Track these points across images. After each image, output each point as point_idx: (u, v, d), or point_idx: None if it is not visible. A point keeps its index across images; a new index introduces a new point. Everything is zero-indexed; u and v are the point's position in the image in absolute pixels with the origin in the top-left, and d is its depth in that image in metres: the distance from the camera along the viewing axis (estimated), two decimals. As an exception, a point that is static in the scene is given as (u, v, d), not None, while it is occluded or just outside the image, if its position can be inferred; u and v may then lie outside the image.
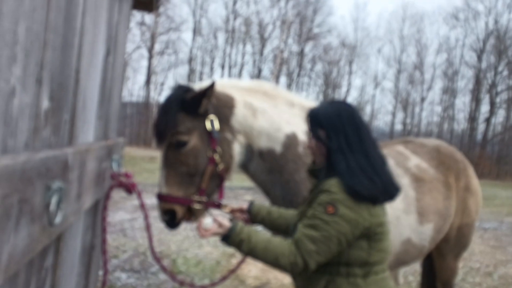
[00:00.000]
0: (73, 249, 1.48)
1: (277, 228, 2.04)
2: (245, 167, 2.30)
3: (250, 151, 2.23)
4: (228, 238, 1.69)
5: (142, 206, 1.92)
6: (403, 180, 2.72)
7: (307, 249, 1.61)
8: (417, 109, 41.09)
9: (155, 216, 7.62)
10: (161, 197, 2.08)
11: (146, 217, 1.99)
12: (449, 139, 35.40)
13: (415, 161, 2.91)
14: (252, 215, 2.08)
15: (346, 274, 1.66)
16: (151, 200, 8.80)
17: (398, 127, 41.00)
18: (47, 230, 0.91)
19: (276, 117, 2.25)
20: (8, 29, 0.73)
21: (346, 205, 1.60)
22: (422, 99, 40.13)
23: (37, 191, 0.82)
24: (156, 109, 31.60)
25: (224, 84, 2.26)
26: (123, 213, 7.41)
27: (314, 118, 1.76)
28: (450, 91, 38.62)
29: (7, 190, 0.67)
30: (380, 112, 44.09)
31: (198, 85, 2.20)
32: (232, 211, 2.12)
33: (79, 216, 1.39)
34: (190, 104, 2.08)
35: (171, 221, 2.09)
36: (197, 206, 2.10)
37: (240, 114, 2.19)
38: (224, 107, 2.18)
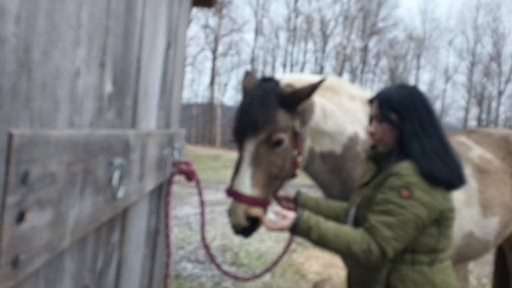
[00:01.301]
0: (138, 230, 1.57)
1: (327, 219, 2.02)
2: (305, 168, 2.24)
3: (311, 153, 2.18)
4: (296, 227, 1.63)
5: (200, 194, 1.98)
6: (465, 171, 2.57)
7: (384, 236, 1.54)
8: (493, 104, 38.28)
9: (219, 211, 7.84)
10: (242, 198, 1.91)
11: (202, 205, 2.05)
12: (531, 135, 32.51)
13: (477, 151, 2.74)
14: (299, 205, 2.07)
15: (411, 262, 1.61)
16: (215, 196, 9.06)
17: (472, 123, 38.46)
18: (110, 203, 0.98)
19: (341, 119, 2.19)
20: (72, 13, 0.80)
21: (421, 188, 1.56)
22: (500, 93, 37.29)
23: (100, 165, 0.88)
24: (220, 110, 32.41)
25: (302, 81, 2.12)
26: (189, 208, 7.69)
27: (386, 101, 1.71)
28: (531, 83, 35.50)
29: (71, 158, 0.73)
30: (452, 107, 41.66)
31: (285, 78, 2.10)
32: (278, 199, 2.10)
33: (142, 197, 1.47)
34: (289, 100, 1.97)
35: (251, 228, 1.95)
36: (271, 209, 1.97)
37: (315, 120, 2.12)
38: (307, 110, 2.09)
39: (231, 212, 1.94)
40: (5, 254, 0.55)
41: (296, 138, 2.01)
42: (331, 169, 2.21)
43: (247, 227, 1.92)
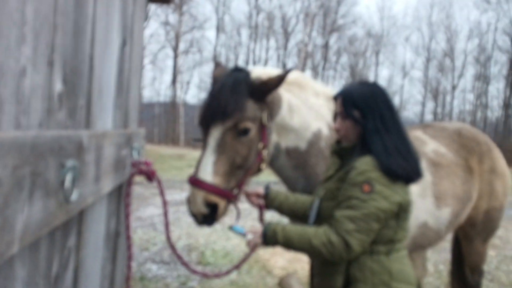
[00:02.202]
0: (97, 233, 1.53)
1: (295, 213, 2.05)
2: (270, 163, 2.27)
3: (277, 148, 2.20)
4: (265, 236, 1.73)
5: (162, 193, 1.95)
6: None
7: (346, 228, 1.60)
8: (448, 98, 40.03)
9: (184, 210, 7.75)
10: (202, 185, 1.91)
11: (164, 205, 2.02)
12: (483, 128, 34.31)
13: (432, 145, 2.88)
14: (269, 200, 2.09)
15: (370, 252, 1.67)
16: (179, 196, 8.96)
17: (428, 117, 40.04)
18: (64, 206, 0.95)
19: (306, 116, 2.22)
20: (15, 8, 0.76)
21: (381, 183, 1.62)
22: (453, 87, 39.01)
23: (50, 167, 0.85)
24: (182, 108, 32.01)
25: (269, 73, 2.12)
26: (153, 208, 7.58)
27: (349, 99, 1.76)
28: (483, 78, 37.38)
29: (17, 161, 0.70)
30: (409, 102, 43.21)
31: (254, 71, 2.10)
32: (247, 195, 2.11)
33: (99, 199, 1.43)
34: (259, 90, 1.98)
35: (210, 215, 1.97)
36: (235, 202, 2.01)
37: (281, 115, 2.14)
38: (275, 104, 2.10)
39: (190, 200, 1.95)
40: None
41: (263, 130, 2.02)
42: (295, 165, 2.24)
43: (207, 215, 1.93)
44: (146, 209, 7.62)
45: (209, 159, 1.94)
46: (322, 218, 1.79)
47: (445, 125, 3.15)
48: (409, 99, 43.40)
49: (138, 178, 1.95)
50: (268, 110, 2.05)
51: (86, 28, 1.21)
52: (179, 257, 2.16)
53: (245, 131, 1.95)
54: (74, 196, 0.98)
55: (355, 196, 1.63)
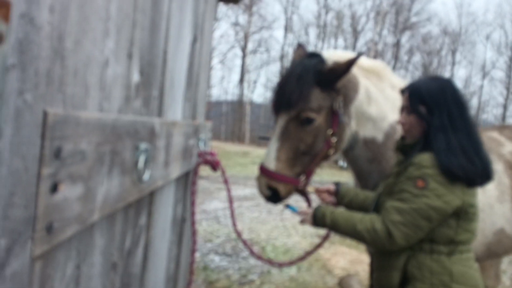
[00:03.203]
0: (164, 216, 1.65)
1: (364, 210, 2.03)
2: (346, 152, 2.22)
3: (355, 138, 2.15)
4: (315, 217, 1.79)
5: (226, 182, 2.04)
6: (497, 167, 2.52)
7: (392, 219, 1.60)
8: (533, 100, 36.68)
9: (247, 206, 7.92)
10: (265, 171, 1.98)
11: (229, 196, 2.11)
12: None
13: (510, 147, 2.68)
14: (339, 197, 2.08)
15: (429, 251, 1.62)
16: (243, 192, 9.17)
17: (511, 120, 37.00)
18: (137, 185, 1.05)
19: (384, 105, 2.15)
20: (101, 6, 0.86)
21: (437, 180, 1.57)
22: (540, 89, 35.69)
23: (127, 148, 0.95)
24: (249, 107, 32.54)
25: (346, 57, 2.08)
26: (217, 202, 7.81)
27: (416, 93, 1.72)
28: None
29: (100, 139, 0.79)
30: (489, 104, 40.24)
31: (332, 56, 2.07)
32: (318, 191, 2.12)
33: (168, 183, 1.54)
34: (327, 77, 1.96)
35: (274, 197, 2.03)
36: (301, 187, 2.04)
37: (359, 101, 2.09)
38: (351, 90, 2.07)
39: (257, 182, 2.06)
40: (41, 220, 0.62)
41: (334, 117, 1.99)
42: (371, 157, 2.18)
43: (270, 196, 2.02)
44: (211, 202, 7.89)
45: (273, 146, 1.99)
46: (379, 212, 1.77)
47: None
48: (489, 101, 40.47)
49: (204, 172, 2.05)
50: (343, 95, 2.02)
51: (161, 25, 1.31)
52: (245, 244, 2.24)
53: (309, 120, 1.96)
54: (146, 176, 1.08)
55: (407, 189, 1.60)
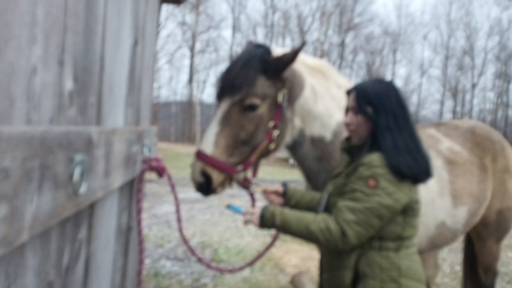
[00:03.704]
0: (108, 227, 1.58)
1: (311, 211, 2.06)
2: (293, 150, 2.23)
3: (302, 136, 2.17)
4: (263, 217, 1.74)
5: (173, 188, 2.00)
6: (436, 163, 2.66)
7: (345, 218, 1.62)
8: (467, 96, 39.30)
9: (198, 208, 7.83)
10: (201, 156, 1.93)
11: (176, 204, 2.07)
12: (504, 127, 33.59)
13: (447, 143, 2.85)
14: (286, 198, 2.10)
15: (378, 248, 1.68)
16: (194, 194, 9.06)
17: (448, 115, 39.37)
18: (73, 199, 0.99)
19: (330, 104, 2.18)
20: (26, 11, 0.81)
21: (387, 179, 1.63)
22: (473, 86, 38.30)
23: (59, 160, 0.89)
24: (199, 107, 32.24)
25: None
26: (168, 206, 7.67)
27: (363, 94, 1.76)
28: (503, 76, 36.58)
29: (26, 153, 0.74)
30: (427, 101, 42.58)
31: (278, 49, 2.07)
32: (265, 192, 2.12)
33: (110, 193, 1.48)
34: (273, 66, 1.95)
35: (205, 186, 1.98)
36: (236, 178, 1.99)
37: (304, 98, 2.11)
38: (297, 86, 2.08)
39: (191, 167, 1.98)
40: (-43, 247, 0.57)
41: (277, 109, 1.99)
42: (319, 156, 2.20)
43: (203, 184, 1.95)
44: (161, 206, 7.73)
45: (212, 131, 1.95)
46: (330, 213, 1.80)
47: (457, 123, 3.12)
48: (427, 98, 42.80)
49: (154, 176, 1.99)
50: (288, 90, 2.03)
51: (96, 29, 1.26)
52: (193, 252, 2.20)
53: (252, 107, 1.94)
54: (83, 189, 1.03)
55: (359, 189, 1.64)
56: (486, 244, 3.00)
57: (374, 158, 1.66)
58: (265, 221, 1.74)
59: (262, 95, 1.96)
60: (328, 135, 2.17)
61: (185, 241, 2.15)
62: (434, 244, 2.65)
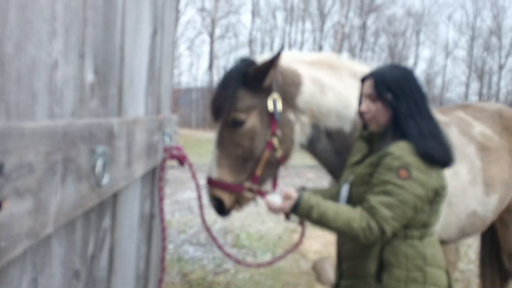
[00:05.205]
0: (131, 215, 1.61)
1: None
2: (311, 148, 2.16)
3: (316, 131, 2.09)
4: (297, 207, 1.63)
5: (194, 177, 2.02)
6: (469, 150, 2.58)
7: (383, 216, 1.56)
8: (494, 78, 38.11)
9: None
10: (210, 182, 1.99)
11: (197, 188, 2.09)
12: (532, 109, 32.46)
13: (479, 128, 2.74)
14: None
15: (404, 236, 1.65)
16: (216, 180, 9.15)
17: (473, 98, 38.31)
18: (96, 190, 1.01)
19: (344, 93, 2.09)
20: (45, 6, 0.81)
21: (419, 168, 1.59)
22: (500, 67, 37.07)
23: (82, 153, 0.91)
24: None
25: (288, 58, 2.10)
26: (190, 192, 7.77)
27: (381, 81, 1.71)
28: (533, 56, 35.22)
29: (49, 148, 0.76)
30: (452, 83, 41.53)
31: (262, 58, 2.04)
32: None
33: (132, 182, 1.50)
34: (253, 78, 1.93)
35: (220, 208, 2.03)
36: (247, 195, 1.98)
37: (307, 92, 2.03)
38: (290, 85, 2.02)
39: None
40: (-15, 241, 0.58)
41: (271, 118, 1.95)
42: (339, 150, 2.12)
43: (217, 207, 2.01)
44: (183, 192, 7.84)
45: (214, 155, 2.00)
46: (353, 204, 1.72)
47: (483, 105, 3.02)
48: (452, 80, 41.72)
49: (175, 162, 2.03)
50: (280, 93, 1.97)
51: (116, 21, 1.26)
52: (214, 239, 2.21)
53: (238, 123, 1.92)
54: (105, 180, 1.04)
55: (391, 181, 1.57)
56: (510, 229, 2.93)
57: (401, 147, 1.61)
58: (299, 210, 1.63)
59: (245, 108, 1.93)
60: (346, 126, 2.09)
61: (206, 229, 2.17)
62: (465, 234, 2.60)
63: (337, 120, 2.08)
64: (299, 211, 1.63)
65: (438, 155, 1.61)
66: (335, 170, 2.20)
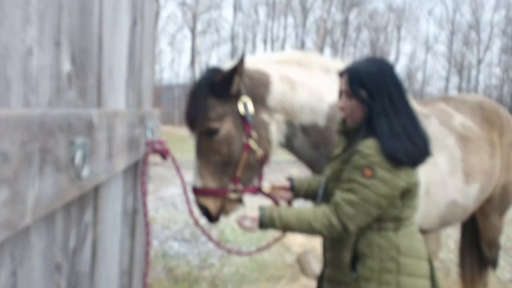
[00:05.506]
0: (114, 209, 1.59)
1: None
2: (288, 144, 2.19)
3: (291, 127, 2.12)
4: (262, 224, 1.73)
5: (178, 171, 2.00)
6: (449, 140, 2.63)
7: (346, 213, 1.61)
8: (473, 72, 38.85)
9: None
10: (195, 191, 2.03)
11: (183, 185, 2.07)
12: (509, 102, 33.26)
13: (459, 119, 2.80)
14: (295, 191, 2.08)
15: (377, 229, 1.68)
16: (200, 176, 9.11)
17: (453, 92, 38.98)
18: (76, 182, 0.99)
19: (316, 87, 2.11)
20: (18, -10, 0.78)
21: (384, 167, 1.59)
22: (479, 61, 37.80)
23: (60, 144, 0.89)
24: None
25: (255, 60, 2.12)
26: (174, 188, 7.72)
27: (355, 77, 1.68)
28: (510, 51, 36.00)
29: (25, 137, 0.73)
30: (433, 77, 42.16)
31: (228, 65, 2.07)
32: (274, 190, 2.10)
33: (114, 176, 1.47)
34: (220, 86, 1.96)
35: (208, 215, 2.06)
36: (232, 196, 2.01)
37: (277, 91, 2.05)
38: (259, 86, 2.04)
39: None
40: (-42, 231, 0.56)
41: (244, 122, 1.98)
42: (315, 143, 2.15)
43: (205, 214, 2.06)
44: (167, 189, 7.78)
45: (196, 165, 2.03)
46: (328, 198, 1.79)
47: (465, 97, 3.08)
48: (432, 74, 42.36)
49: (158, 159, 2.02)
50: (249, 96, 2.00)
51: (93, 9, 1.23)
52: (203, 231, 2.20)
53: (213, 131, 1.96)
54: (85, 172, 1.02)
55: (356, 180, 1.61)
56: (490, 218, 3.00)
57: (369, 146, 1.61)
58: (265, 226, 1.73)
59: (218, 116, 1.96)
60: (321, 121, 2.11)
61: (195, 221, 2.16)
62: (445, 223, 2.64)
63: (310, 115, 2.11)
64: (264, 226, 1.73)
65: (406, 155, 1.60)
66: (313, 165, 2.25)
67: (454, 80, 39.71)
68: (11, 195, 0.69)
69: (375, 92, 1.65)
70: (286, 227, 1.70)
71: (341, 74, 1.79)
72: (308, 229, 1.66)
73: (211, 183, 2.00)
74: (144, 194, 1.97)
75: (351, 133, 1.79)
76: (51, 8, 0.94)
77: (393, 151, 1.58)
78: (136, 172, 1.95)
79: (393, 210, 1.67)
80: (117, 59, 1.53)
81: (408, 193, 1.67)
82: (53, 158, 0.86)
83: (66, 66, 1.04)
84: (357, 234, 1.70)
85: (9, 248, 0.78)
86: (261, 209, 1.77)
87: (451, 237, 5.47)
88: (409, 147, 1.61)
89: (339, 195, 1.65)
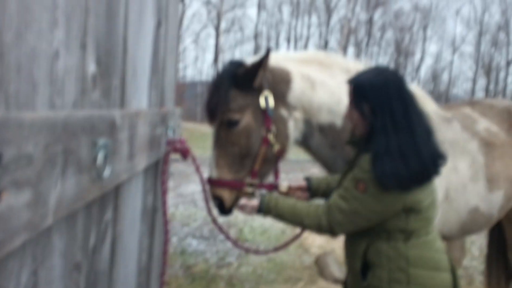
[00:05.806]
0: (133, 208, 1.61)
1: None
2: (305, 143, 2.20)
3: (309, 126, 2.13)
4: (260, 210, 1.83)
5: (197, 170, 2.01)
6: (471, 145, 2.55)
7: (335, 219, 1.67)
8: (501, 74, 37.76)
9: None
10: (211, 182, 2.03)
11: (202, 184, 2.08)
12: (539, 106, 32.19)
13: (484, 124, 2.71)
14: (312, 191, 2.07)
15: (387, 238, 1.67)
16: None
17: (480, 94, 38.01)
18: (97, 182, 1.00)
19: (335, 89, 2.11)
20: (46, -6, 0.80)
21: (377, 186, 1.57)
22: (508, 63, 36.72)
23: (83, 145, 0.90)
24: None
25: (277, 57, 2.14)
26: (194, 185, 7.77)
27: (359, 89, 1.66)
28: (541, 52, 34.86)
29: (49, 139, 0.74)
30: (459, 79, 41.19)
31: (251, 59, 2.08)
32: (291, 190, 2.10)
33: (134, 175, 1.49)
34: (243, 79, 1.97)
35: (221, 206, 2.05)
36: (248, 190, 2.02)
37: (297, 89, 2.06)
38: (280, 83, 2.05)
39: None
40: (-18, 233, 0.57)
41: (264, 115, 1.99)
42: (332, 144, 2.15)
43: (219, 206, 2.05)
44: (187, 186, 7.84)
45: (213, 156, 2.05)
46: None
47: (493, 102, 2.99)
48: (458, 76, 41.40)
49: (179, 156, 2.03)
50: (271, 91, 2.01)
51: (119, 11, 1.25)
52: (220, 230, 2.22)
53: (233, 122, 1.97)
54: (106, 172, 1.03)
55: (350, 190, 1.64)
56: (517, 228, 2.90)
57: (367, 161, 1.60)
58: (262, 213, 1.82)
59: (239, 108, 1.97)
60: (338, 121, 2.11)
61: (213, 219, 2.18)
62: (466, 230, 2.57)
63: (328, 116, 2.11)
64: (262, 212, 1.83)
65: (391, 180, 1.54)
66: (330, 165, 2.25)
67: (481, 82, 38.73)
68: (34, 196, 0.71)
69: (377, 107, 1.61)
70: (280, 218, 1.79)
71: (349, 82, 1.75)
72: (299, 224, 1.76)
73: (227, 175, 2.01)
74: (164, 192, 1.99)
75: (359, 142, 1.78)
76: (79, 11, 0.95)
77: (381, 175, 1.54)
78: (157, 171, 1.97)
79: (397, 222, 1.63)
80: (141, 59, 1.54)
81: (412, 210, 1.62)
82: (76, 159, 0.87)
83: (91, 67, 1.05)
84: (367, 243, 1.68)
85: (31, 248, 0.79)
86: (262, 195, 1.84)
87: (475, 243, 5.33)
88: (399, 171, 1.53)
89: (333, 199, 1.70)
